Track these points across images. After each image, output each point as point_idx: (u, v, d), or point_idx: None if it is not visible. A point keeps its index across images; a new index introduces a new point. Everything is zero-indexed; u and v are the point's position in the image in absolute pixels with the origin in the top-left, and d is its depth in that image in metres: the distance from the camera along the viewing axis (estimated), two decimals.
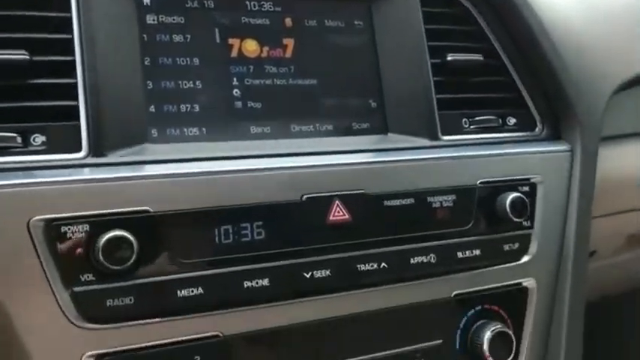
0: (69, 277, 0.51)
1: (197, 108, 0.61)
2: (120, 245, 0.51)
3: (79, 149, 0.55)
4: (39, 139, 0.55)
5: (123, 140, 0.57)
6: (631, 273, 1.22)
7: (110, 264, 0.51)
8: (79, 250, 0.51)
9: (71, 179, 0.53)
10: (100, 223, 0.52)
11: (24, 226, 0.50)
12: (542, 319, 0.71)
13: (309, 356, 0.60)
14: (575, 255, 0.74)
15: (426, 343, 0.65)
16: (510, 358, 0.66)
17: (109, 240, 0.51)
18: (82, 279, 0.51)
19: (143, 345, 0.53)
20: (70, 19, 0.57)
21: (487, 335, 0.65)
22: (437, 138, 0.70)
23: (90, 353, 0.52)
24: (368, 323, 0.63)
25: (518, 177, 0.71)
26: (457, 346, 0.66)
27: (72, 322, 0.51)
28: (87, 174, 0.54)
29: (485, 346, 0.65)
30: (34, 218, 0.51)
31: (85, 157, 0.55)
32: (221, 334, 0.56)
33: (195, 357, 0.55)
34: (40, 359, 0.51)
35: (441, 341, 0.65)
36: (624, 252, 1.08)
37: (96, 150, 0.55)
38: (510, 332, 0.67)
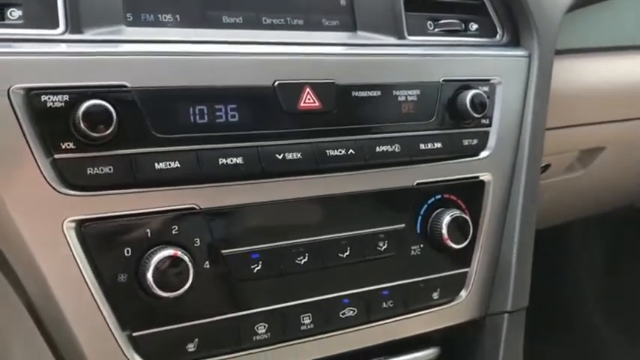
0: (50, 145, 0.53)
1: None
2: (99, 114, 0.53)
3: (56, 25, 0.57)
4: (15, 13, 0.56)
5: (99, 20, 0.59)
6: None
7: (90, 131, 0.53)
8: (59, 118, 0.53)
9: (51, 51, 0.54)
10: (79, 94, 0.54)
11: (5, 94, 0.52)
12: (498, 209, 0.77)
13: (278, 232, 0.63)
14: (530, 153, 0.79)
15: (390, 227, 0.69)
16: (467, 241, 0.72)
17: (89, 108, 0.53)
18: (63, 147, 0.54)
19: (123, 213, 0.56)
20: None
21: (446, 220, 0.70)
22: (403, 37, 0.74)
23: (71, 219, 0.54)
24: (336, 205, 0.67)
25: (478, 77, 0.75)
26: (418, 231, 0.71)
27: (54, 189, 0.54)
28: (66, 48, 0.56)
29: (444, 230, 0.70)
30: (15, 86, 0.52)
31: (62, 34, 0.57)
32: (197, 207, 0.59)
33: (173, 227, 0.58)
34: (24, 225, 0.54)
35: (403, 225, 0.70)
36: (578, 169, 1.14)
37: (73, 27, 0.57)
38: (467, 218, 0.72)
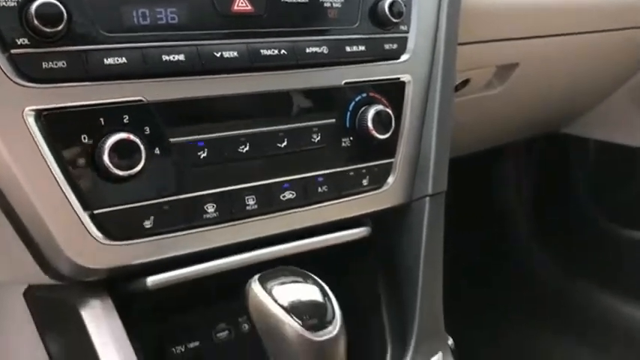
0: (6, 41, 0.59)
1: None
2: (51, 11, 0.59)
3: None
4: None
5: None
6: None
7: (43, 27, 0.59)
8: (13, 16, 0.59)
9: None
10: None
11: None
12: (417, 108, 0.86)
13: (221, 124, 0.71)
14: (445, 61, 0.89)
15: (322, 121, 0.78)
16: (390, 133, 0.81)
17: (41, 5, 0.59)
18: (19, 42, 0.59)
19: (77, 104, 0.62)
20: None
21: (371, 114, 0.79)
22: None
23: (30, 108, 0.60)
24: (273, 101, 0.75)
25: None
26: (347, 125, 0.80)
27: (12, 81, 0.59)
28: None
29: (370, 123, 0.79)
30: None
31: None
32: (144, 99, 0.66)
33: (124, 116, 0.65)
34: None
35: (334, 120, 0.79)
36: (496, 85, 1.25)
37: None
38: (390, 112, 0.81)
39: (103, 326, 0.67)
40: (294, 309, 0.57)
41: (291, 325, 0.56)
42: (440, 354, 0.74)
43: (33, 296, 0.75)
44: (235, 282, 0.70)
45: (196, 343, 0.83)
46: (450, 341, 0.87)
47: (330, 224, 0.81)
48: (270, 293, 0.58)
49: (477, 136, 1.45)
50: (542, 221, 1.71)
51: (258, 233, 0.74)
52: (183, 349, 0.82)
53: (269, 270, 0.63)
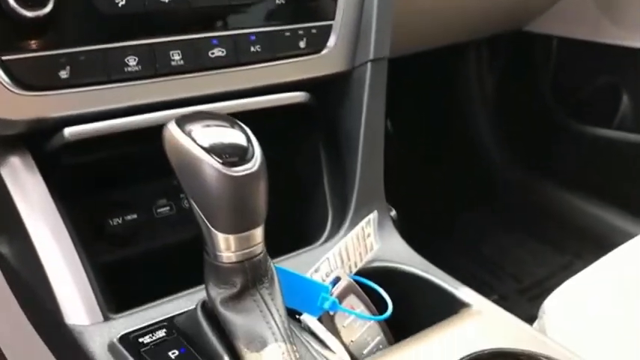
0: None
1: None
2: None
3: None
4: None
5: None
6: None
7: None
8: None
9: None
10: None
11: None
12: None
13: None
14: None
15: None
16: None
17: None
18: None
19: None
20: None
21: None
22: None
23: None
24: None
25: None
26: None
27: None
28: None
29: None
30: None
31: None
32: None
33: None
34: None
35: None
36: None
37: None
38: None
39: (23, 184, 0.65)
40: (214, 148, 0.55)
41: (210, 162, 0.53)
42: (375, 212, 0.74)
43: None
44: None
45: (134, 216, 0.82)
46: (393, 212, 0.87)
47: (267, 89, 0.78)
48: (189, 134, 0.56)
49: (436, 28, 1.42)
50: (505, 119, 1.71)
51: (186, 92, 0.71)
52: (120, 221, 0.80)
53: (190, 112, 0.60)
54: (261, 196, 0.56)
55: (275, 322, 0.56)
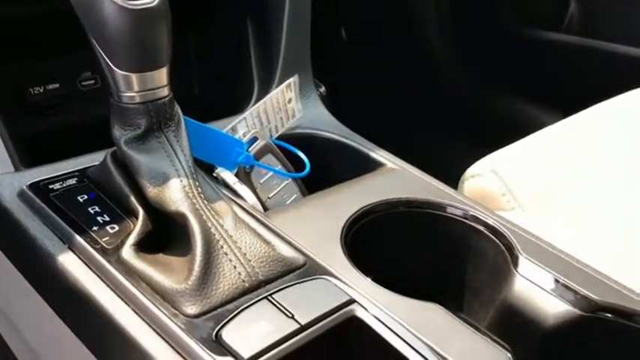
0: None
1: None
2: None
3: None
4: None
5: None
6: None
7: None
8: None
9: None
10: None
11: None
12: None
13: None
14: None
15: None
16: None
17: None
18: None
19: None
20: None
21: None
22: None
23: None
24: None
25: None
26: None
27: None
28: None
29: None
30: None
31: None
32: None
33: None
34: None
35: None
36: None
37: None
38: None
39: None
40: None
41: None
42: (296, 76, 0.73)
43: None
44: None
45: (56, 85, 0.80)
46: (323, 89, 0.88)
47: None
48: None
49: None
50: (459, 29, 1.70)
51: None
52: (41, 90, 0.79)
53: None
54: (161, 34, 0.55)
55: (179, 160, 0.56)
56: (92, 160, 0.65)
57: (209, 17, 0.81)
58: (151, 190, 0.54)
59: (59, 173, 0.62)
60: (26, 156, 0.68)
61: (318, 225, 0.60)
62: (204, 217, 0.52)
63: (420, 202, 0.65)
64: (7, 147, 0.64)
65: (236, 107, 0.82)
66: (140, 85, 0.55)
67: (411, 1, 1.66)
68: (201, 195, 0.54)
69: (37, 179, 0.62)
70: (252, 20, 0.84)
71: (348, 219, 0.61)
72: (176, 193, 0.53)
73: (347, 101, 0.92)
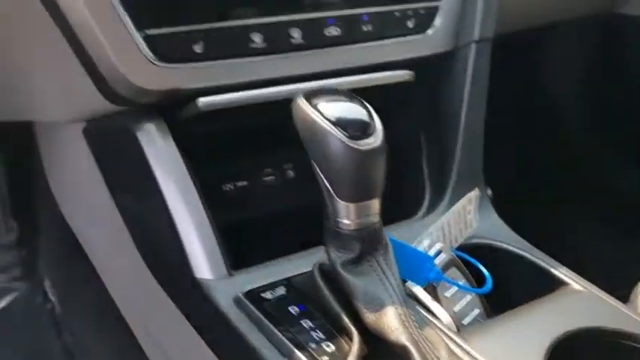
0: None
1: None
2: None
3: None
4: None
5: None
6: None
7: None
8: None
9: None
10: None
11: None
12: None
13: None
14: None
15: None
16: None
17: None
18: None
19: None
20: None
21: None
22: None
23: None
24: None
25: None
26: None
27: None
28: None
29: None
30: None
31: None
32: None
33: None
34: None
35: None
36: None
37: None
38: None
39: (158, 148, 0.71)
40: (340, 122, 0.58)
41: (337, 135, 0.57)
42: (477, 190, 0.76)
43: (92, 132, 0.80)
44: (280, 130, 0.72)
45: (244, 183, 0.87)
46: (489, 192, 0.89)
47: (374, 67, 0.81)
48: (315, 107, 0.60)
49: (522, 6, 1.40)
50: (595, 104, 1.66)
51: (304, 69, 0.76)
52: (232, 187, 0.86)
53: (315, 87, 0.65)
54: (380, 169, 0.59)
55: (392, 286, 0.60)
56: (293, 266, 0.70)
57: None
58: (369, 316, 0.58)
59: (269, 282, 0.68)
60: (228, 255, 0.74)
61: (520, 350, 0.61)
62: (424, 349, 0.55)
63: (614, 333, 0.65)
64: (220, 250, 0.70)
65: (407, 212, 0.86)
66: (357, 214, 0.60)
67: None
68: (416, 324, 0.57)
69: (251, 287, 0.67)
70: (424, 129, 0.88)
71: (550, 346, 0.62)
72: (393, 321, 0.57)
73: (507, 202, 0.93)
